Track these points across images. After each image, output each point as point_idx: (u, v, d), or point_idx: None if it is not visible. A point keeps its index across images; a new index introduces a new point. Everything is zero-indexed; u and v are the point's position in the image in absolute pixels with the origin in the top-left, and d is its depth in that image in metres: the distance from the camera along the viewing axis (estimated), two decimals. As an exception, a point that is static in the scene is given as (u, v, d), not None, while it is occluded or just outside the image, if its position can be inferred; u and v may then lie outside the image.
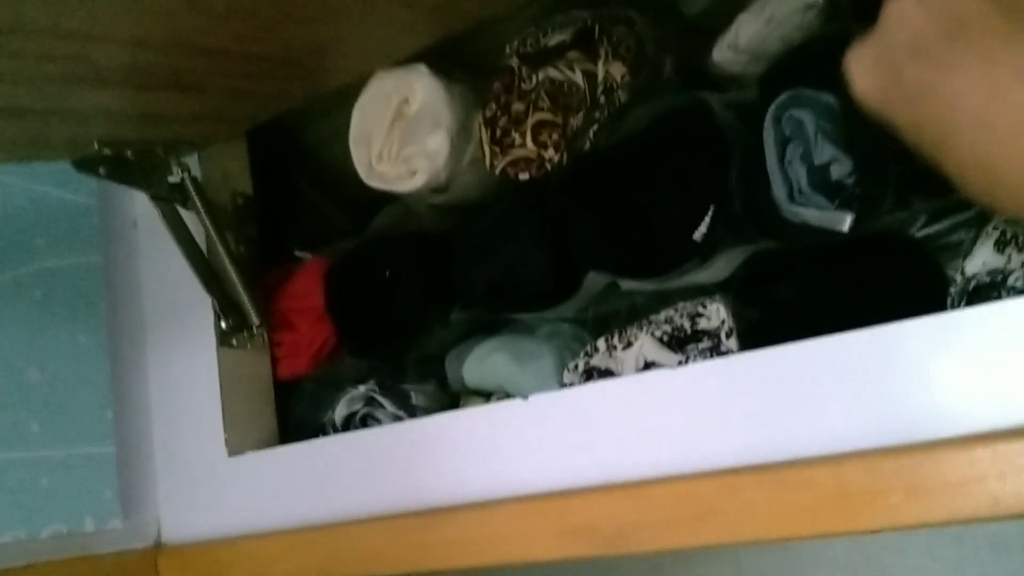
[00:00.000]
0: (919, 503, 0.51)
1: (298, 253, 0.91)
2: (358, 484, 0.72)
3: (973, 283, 0.57)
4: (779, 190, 0.67)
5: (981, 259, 0.57)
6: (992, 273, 0.57)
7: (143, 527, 0.82)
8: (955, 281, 0.58)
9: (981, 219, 0.63)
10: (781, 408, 0.57)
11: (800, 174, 0.66)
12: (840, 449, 0.54)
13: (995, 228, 0.59)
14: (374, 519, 0.70)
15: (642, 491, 0.59)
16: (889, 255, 0.68)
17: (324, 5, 0.57)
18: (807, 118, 0.66)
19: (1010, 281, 0.56)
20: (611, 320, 0.83)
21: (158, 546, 0.83)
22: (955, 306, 0.58)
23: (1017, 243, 0.57)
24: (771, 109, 0.67)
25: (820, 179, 0.66)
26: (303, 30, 0.60)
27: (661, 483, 0.59)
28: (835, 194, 0.65)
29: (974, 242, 0.60)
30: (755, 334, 0.69)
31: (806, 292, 0.69)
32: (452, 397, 0.84)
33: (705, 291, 0.74)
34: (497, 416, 0.68)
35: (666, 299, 0.75)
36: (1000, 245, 0.57)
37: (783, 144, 0.67)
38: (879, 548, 0.85)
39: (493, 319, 0.84)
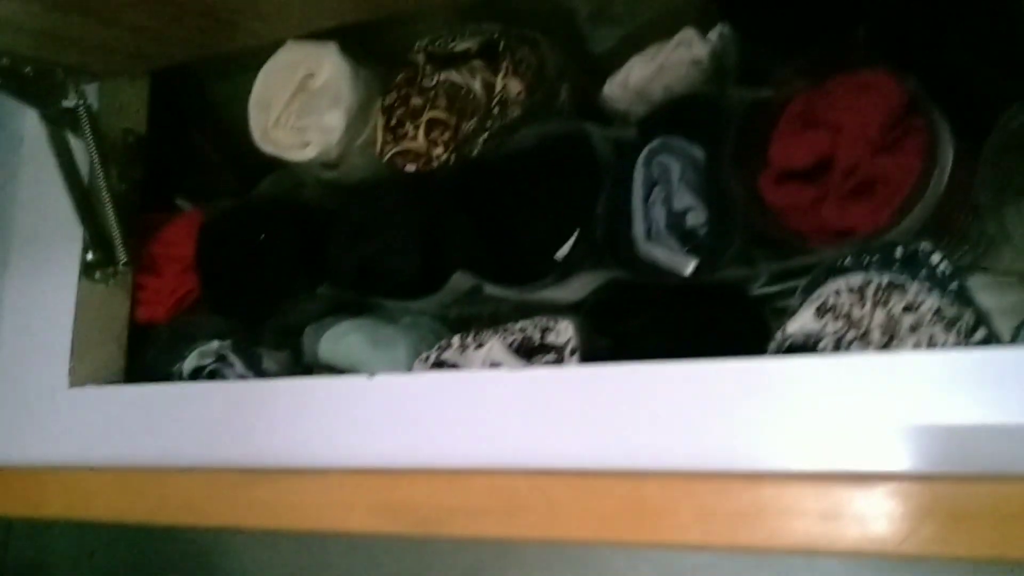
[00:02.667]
0: (705, 526, 0.56)
1: (179, 202, 0.92)
2: (193, 434, 0.73)
3: (788, 342, 0.62)
4: (639, 227, 0.71)
5: (800, 321, 0.63)
6: (807, 336, 0.62)
7: (-33, 443, 0.81)
8: (775, 338, 0.63)
9: (812, 286, 0.70)
10: (599, 421, 0.61)
11: (660, 215, 0.72)
12: (643, 467, 0.59)
13: (819, 296, 0.64)
14: (198, 469, 0.71)
15: (460, 479, 0.63)
16: (724, 305, 0.73)
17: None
18: (674, 165, 0.71)
19: (819, 346, 0.61)
20: (472, 323, 0.86)
21: (-21, 465, 0.82)
22: (768, 357, 0.63)
23: (835, 312, 0.62)
24: (644, 151, 0.72)
25: (676, 223, 0.71)
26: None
27: (479, 474, 0.63)
28: (687, 240, 0.71)
29: (800, 304, 0.66)
30: (596, 357, 0.73)
31: (646, 326, 0.74)
32: (304, 369, 0.86)
33: (559, 310, 0.78)
34: (340, 388, 0.70)
35: (526, 312, 0.79)
36: (820, 311, 0.63)
37: (650, 185, 0.72)
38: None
39: (357, 301, 0.86)
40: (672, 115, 0.73)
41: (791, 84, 0.68)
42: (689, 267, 0.68)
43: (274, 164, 0.89)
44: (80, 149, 0.82)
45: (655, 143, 0.72)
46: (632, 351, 0.73)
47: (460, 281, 0.80)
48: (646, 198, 0.72)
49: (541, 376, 0.66)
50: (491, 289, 0.79)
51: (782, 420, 0.56)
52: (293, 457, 0.69)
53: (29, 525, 1.23)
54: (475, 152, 0.78)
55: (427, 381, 0.69)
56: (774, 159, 0.66)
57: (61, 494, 0.77)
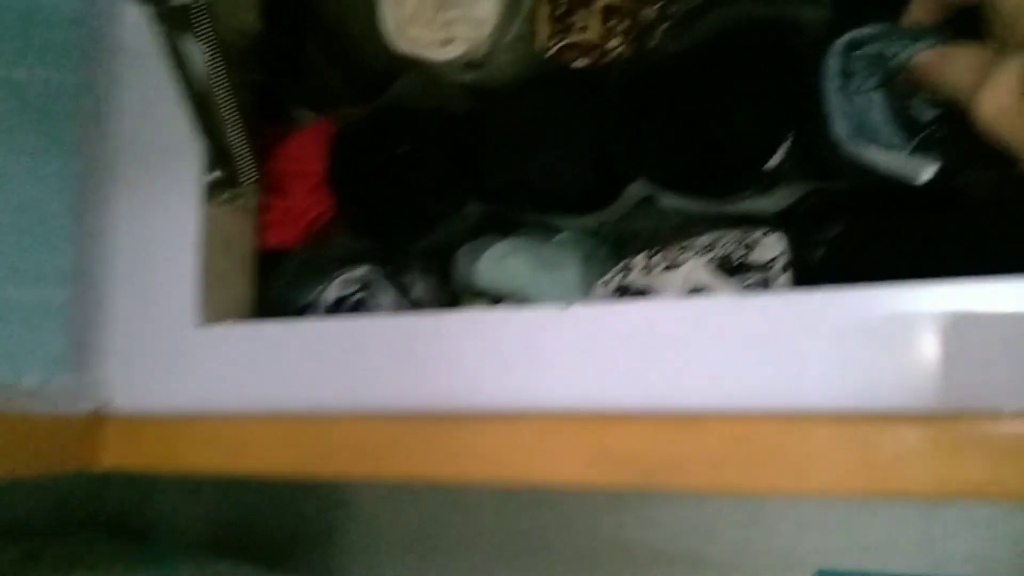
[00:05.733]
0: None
1: (296, 113, 0.82)
2: (358, 375, 0.65)
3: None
4: (840, 124, 0.61)
5: None
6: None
7: (89, 390, 0.73)
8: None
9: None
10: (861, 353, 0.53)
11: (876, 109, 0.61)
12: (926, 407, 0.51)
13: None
14: (376, 416, 0.63)
15: (692, 425, 0.55)
16: (962, 213, 0.64)
17: None
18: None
19: None
20: (634, 240, 0.77)
21: (104, 414, 0.74)
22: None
23: None
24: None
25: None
26: None
27: (714, 419, 0.55)
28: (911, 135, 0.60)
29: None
30: (810, 274, 0.64)
31: (868, 238, 0.65)
32: (452, 298, 0.77)
33: (749, 221, 0.69)
34: (530, 320, 0.61)
35: (711, 223, 0.70)
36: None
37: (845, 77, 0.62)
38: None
39: (510, 219, 0.77)
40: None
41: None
42: (925, 173, 0.58)
43: (391, 68, 0.79)
44: (191, 55, 0.72)
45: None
46: (850, 264, 0.65)
47: (631, 194, 0.71)
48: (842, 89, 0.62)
49: (776, 303, 0.57)
50: (671, 201, 0.70)
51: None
52: (484, 399, 0.61)
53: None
54: (653, 44, 0.68)
55: (632, 310, 0.61)
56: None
57: (203, 444, 0.69)
